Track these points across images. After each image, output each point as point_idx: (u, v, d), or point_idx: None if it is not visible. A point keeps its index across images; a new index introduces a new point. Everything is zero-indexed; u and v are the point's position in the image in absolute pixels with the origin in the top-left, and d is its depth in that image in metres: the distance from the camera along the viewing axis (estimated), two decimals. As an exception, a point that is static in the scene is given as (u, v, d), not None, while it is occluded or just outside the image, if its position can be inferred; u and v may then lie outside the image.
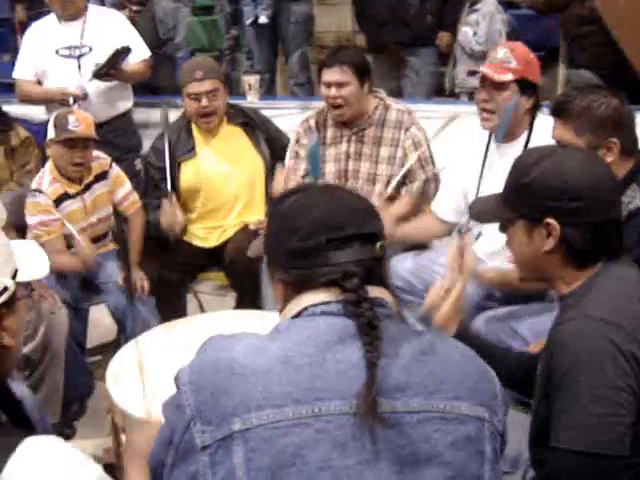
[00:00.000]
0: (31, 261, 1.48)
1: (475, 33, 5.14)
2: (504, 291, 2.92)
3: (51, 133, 3.41)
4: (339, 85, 3.39)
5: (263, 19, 5.23)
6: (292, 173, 3.65)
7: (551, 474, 1.62)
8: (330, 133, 3.58)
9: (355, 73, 3.39)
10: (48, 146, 3.49)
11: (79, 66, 4.18)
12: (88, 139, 3.43)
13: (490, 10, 5.14)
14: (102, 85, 4.18)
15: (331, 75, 3.40)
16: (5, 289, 1.33)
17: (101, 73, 4.14)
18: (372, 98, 3.52)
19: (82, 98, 4.08)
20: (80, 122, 3.38)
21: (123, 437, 2.15)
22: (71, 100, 4.12)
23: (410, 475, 1.22)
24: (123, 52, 4.16)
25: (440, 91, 5.51)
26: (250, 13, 5.33)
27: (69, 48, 4.20)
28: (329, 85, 3.42)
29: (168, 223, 3.65)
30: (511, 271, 2.63)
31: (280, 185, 3.60)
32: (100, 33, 4.23)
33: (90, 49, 4.19)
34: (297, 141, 3.66)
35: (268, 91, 5.40)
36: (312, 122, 3.63)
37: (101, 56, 4.14)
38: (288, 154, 3.69)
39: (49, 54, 4.21)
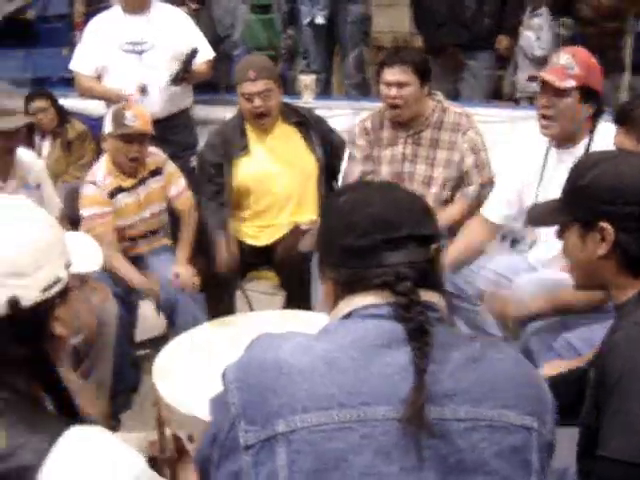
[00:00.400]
0: (84, 254, 1.50)
1: (538, 38, 5.07)
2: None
3: (108, 127, 3.45)
4: (399, 85, 3.37)
5: (320, 19, 5.23)
6: (347, 175, 3.63)
7: None
8: (386, 134, 3.56)
9: (416, 74, 3.36)
10: (105, 140, 3.53)
11: (140, 61, 4.22)
12: (144, 134, 3.45)
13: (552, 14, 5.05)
14: (163, 82, 4.21)
15: (392, 75, 3.37)
16: (58, 280, 1.34)
17: (178, 79, 4.20)
18: (430, 100, 3.50)
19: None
20: (137, 117, 3.41)
21: (168, 431, 2.15)
22: (132, 93, 4.16)
23: None
24: (193, 55, 4.21)
25: (498, 95, 5.45)
26: (307, 13, 5.33)
27: (132, 43, 4.23)
28: (389, 85, 3.39)
29: (224, 264, 3.64)
30: (562, 292, 2.59)
31: None
32: (164, 30, 4.27)
33: (153, 45, 4.22)
34: (352, 142, 3.64)
35: (324, 91, 5.39)
36: (368, 124, 3.61)
37: (163, 53, 4.20)
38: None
39: (112, 48, 4.24)
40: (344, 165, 3.66)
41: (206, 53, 4.40)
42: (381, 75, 3.43)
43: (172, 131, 4.30)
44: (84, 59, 4.36)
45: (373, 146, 3.57)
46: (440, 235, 1.38)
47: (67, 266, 1.38)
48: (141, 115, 3.45)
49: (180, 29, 4.33)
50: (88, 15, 6.04)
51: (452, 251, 3.16)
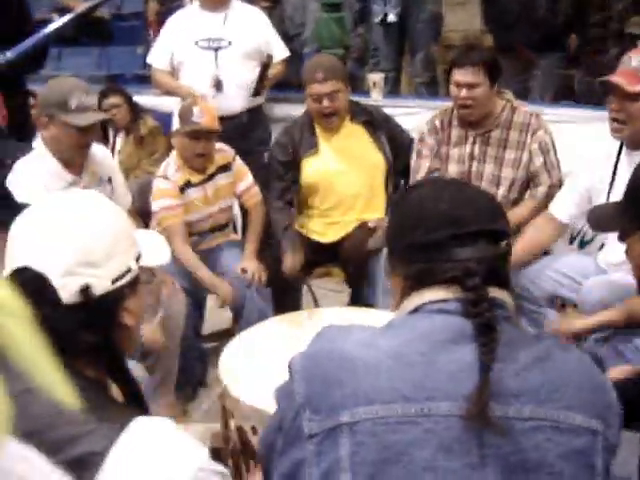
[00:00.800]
0: (154, 248, 1.54)
1: None
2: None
3: (176, 124, 3.50)
4: (470, 86, 3.34)
5: (392, 17, 5.22)
6: (416, 171, 3.62)
7: None
8: (455, 133, 3.54)
9: (486, 74, 3.33)
10: (173, 136, 3.59)
11: (216, 57, 4.28)
12: (211, 131, 3.50)
13: None
14: (237, 77, 4.27)
15: (462, 76, 3.35)
16: (129, 270, 1.38)
17: (258, 90, 4.29)
18: (499, 100, 3.47)
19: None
20: (204, 114, 3.45)
21: (232, 423, 2.19)
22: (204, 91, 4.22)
23: None
24: (267, 67, 4.28)
25: (569, 95, 5.36)
26: (379, 11, 5.32)
27: (208, 40, 4.29)
28: (459, 85, 3.37)
29: (289, 268, 3.65)
30: (632, 300, 2.54)
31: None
32: (240, 28, 4.32)
33: (230, 43, 4.28)
34: (420, 140, 3.63)
35: (392, 89, 5.38)
36: (437, 122, 3.59)
37: (239, 50, 4.26)
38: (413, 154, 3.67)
39: (188, 44, 4.31)
40: (412, 162, 3.65)
41: (281, 52, 4.47)
42: (451, 75, 3.41)
43: (247, 127, 4.36)
44: (160, 54, 4.44)
45: (441, 144, 3.56)
46: (510, 232, 1.37)
47: (137, 258, 1.42)
48: (208, 112, 3.49)
49: (257, 27, 4.38)
50: (162, 14, 6.14)
51: (518, 249, 3.12)
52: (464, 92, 3.35)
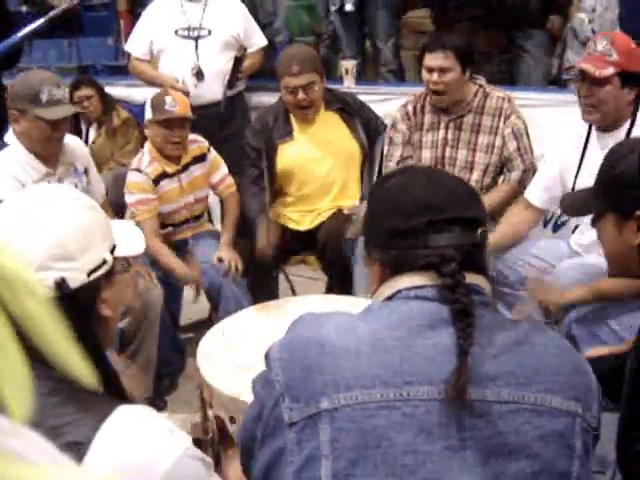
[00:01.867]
0: (128, 238, 1.54)
1: (590, 20, 4.90)
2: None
3: (149, 114, 3.50)
4: (441, 71, 3.35)
5: (349, 7, 5.10)
6: (387, 159, 3.63)
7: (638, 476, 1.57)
8: (428, 119, 3.55)
9: (458, 59, 3.34)
10: (146, 127, 3.59)
11: (196, 47, 4.28)
12: (185, 119, 3.50)
13: None
14: (217, 66, 4.28)
15: (434, 60, 3.36)
16: (104, 262, 1.38)
17: (232, 83, 4.30)
18: (471, 85, 3.48)
19: (186, 94, 4.17)
20: (177, 102, 3.46)
21: (210, 412, 2.19)
22: (180, 80, 4.24)
23: (496, 466, 1.20)
24: (241, 58, 4.29)
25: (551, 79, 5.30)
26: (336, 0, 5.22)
27: (188, 29, 4.30)
28: (431, 70, 3.37)
29: (262, 248, 3.66)
30: (602, 281, 2.58)
31: None
32: (221, 17, 4.33)
33: (209, 32, 4.29)
34: (392, 127, 3.64)
35: (357, 77, 5.30)
36: (410, 108, 3.60)
37: (218, 39, 4.28)
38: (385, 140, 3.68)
39: (168, 33, 4.32)
40: (385, 149, 3.66)
41: (260, 40, 4.49)
42: (423, 60, 3.42)
43: (227, 115, 4.37)
44: (139, 42, 4.45)
45: (414, 131, 3.57)
46: (486, 219, 1.39)
47: (112, 249, 1.42)
48: (180, 100, 3.51)
49: (236, 16, 4.39)
50: (131, 4, 6.11)
51: (495, 235, 3.16)
52: (435, 76, 3.36)
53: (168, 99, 3.45)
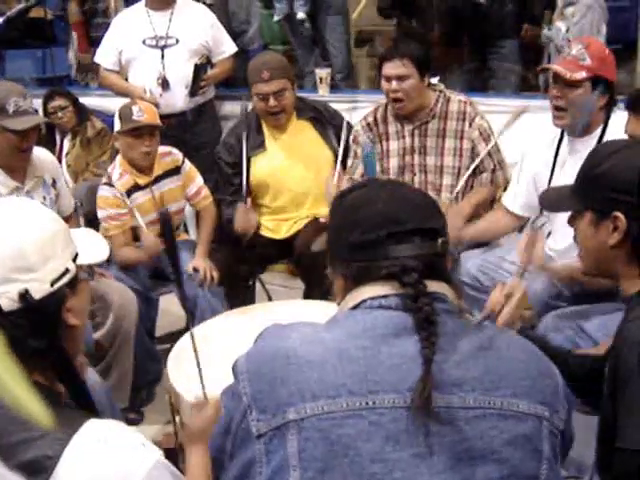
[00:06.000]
0: (91, 246, 1.54)
1: (568, 29, 4.88)
2: (574, 289, 2.87)
3: (117, 125, 3.49)
4: (399, 78, 3.37)
5: (301, 15, 4.98)
6: (350, 172, 3.65)
7: (617, 476, 1.58)
8: (392, 128, 3.56)
9: (416, 66, 3.36)
10: (116, 139, 3.59)
11: (162, 56, 4.28)
12: (153, 127, 3.49)
13: (588, 3, 4.83)
14: (184, 75, 4.29)
15: (391, 68, 3.37)
16: (67, 271, 1.38)
17: (195, 90, 4.30)
18: (431, 91, 3.50)
19: (155, 104, 4.17)
20: (144, 111, 3.45)
21: (177, 419, 2.19)
22: (148, 90, 4.25)
23: (464, 471, 1.21)
24: (203, 66, 4.31)
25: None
26: (281, 10, 5.08)
27: (155, 38, 4.30)
28: (389, 79, 3.39)
29: (242, 227, 3.68)
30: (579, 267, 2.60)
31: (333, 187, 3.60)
32: (188, 26, 4.33)
33: (177, 40, 4.30)
34: (354, 140, 3.65)
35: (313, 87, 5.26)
36: (370, 119, 3.62)
37: (185, 48, 4.29)
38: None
39: (135, 43, 4.32)
40: (349, 163, 3.68)
41: (229, 48, 4.49)
42: (381, 70, 3.43)
43: (195, 124, 4.38)
44: (108, 53, 4.45)
45: (380, 140, 3.58)
46: (446, 229, 1.40)
47: (74, 258, 1.42)
48: (148, 109, 3.50)
49: (203, 25, 4.39)
50: (84, 14, 6.11)
51: (471, 229, 3.19)
52: (394, 84, 3.38)
53: (135, 109, 3.45)
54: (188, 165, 3.72)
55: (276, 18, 5.16)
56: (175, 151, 3.69)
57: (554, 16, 4.83)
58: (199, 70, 4.29)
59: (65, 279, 1.38)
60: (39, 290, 1.33)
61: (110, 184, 3.51)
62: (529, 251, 2.62)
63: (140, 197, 3.56)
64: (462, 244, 3.22)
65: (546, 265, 2.81)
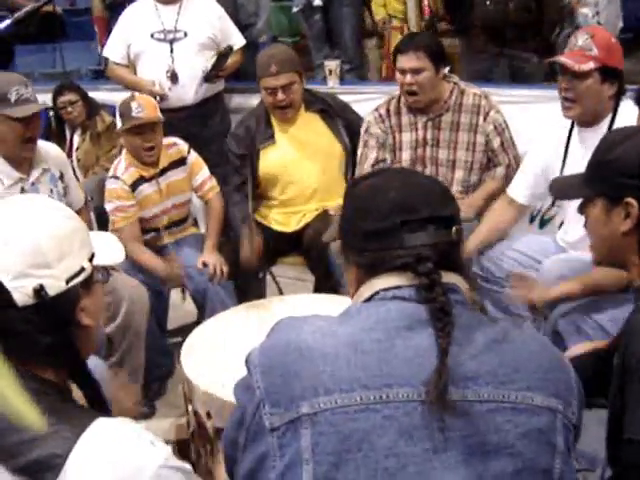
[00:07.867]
0: (108, 248, 1.54)
1: (597, 13, 4.82)
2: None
3: (119, 123, 3.48)
4: (414, 71, 3.35)
5: (317, 2, 5.03)
6: (362, 162, 3.63)
7: (626, 467, 1.57)
8: (405, 120, 3.55)
9: (430, 59, 3.35)
10: (119, 136, 3.58)
11: (171, 50, 4.28)
12: (154, 122, 3.47)
13: None
14: (193, 68, 4.29)
15: (406, 61, 3.36)
16: (82, 269, 1.39)
17: (211, 76, 4.29)
18: (445, 83, 3.48)
19: (165, 99, 4.19)
20: (143, 107, 3.43)
21: (189, 407, 2.21)
22: (157, 83, 4.24)
23: (478, 465, 1.20)
24: (227, 54, 4.29)
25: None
26: (300, 1, 5.12)
27: (163, 32, 4.30)
28: (404, 71, 3.38)
29: (247, 259, 3.65)
30: (592, 272, 2.58)
31: None
32: (196, 19, 4.33)
33: (185, 34, 4.29)
34: (367, 130, 3.63)
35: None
36: (382, 110, 3.60)
37: (194, 42, 4.28)
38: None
39: (144, 37, 4.32)
40: (359, 152, 3.66)
41: (238, 41, 4.48)
42: (396, 62, 3.42)
43: (205, 116, 4.37)
44: (117, 47, 4.45)
45: (393, 132, 3.57)
46: (460, 218, 1.39)
47: (90, 258, 1.42)
48: (147, 103, 3.47)
49: (212, 18, 4.39)
50: (109, 9, 6.09)
51: (478, 232, 3.17)
52: (408, 78, 3.36)
53: (134, 105, 3.42)
54: (194, 155, 3.71)
55: (295, 9, 5.15)
56: (180, 142, 3.68)
57: (574, 3, 4.77)
58: (221, 58, 4.28)
59: (80, 278, 1.38)
60: (54, 287, 1.33)
61: (116, 177, 3.51)
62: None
63: (146, 189, 3.56)
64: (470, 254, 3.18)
65: (549, 297, 2.78)
